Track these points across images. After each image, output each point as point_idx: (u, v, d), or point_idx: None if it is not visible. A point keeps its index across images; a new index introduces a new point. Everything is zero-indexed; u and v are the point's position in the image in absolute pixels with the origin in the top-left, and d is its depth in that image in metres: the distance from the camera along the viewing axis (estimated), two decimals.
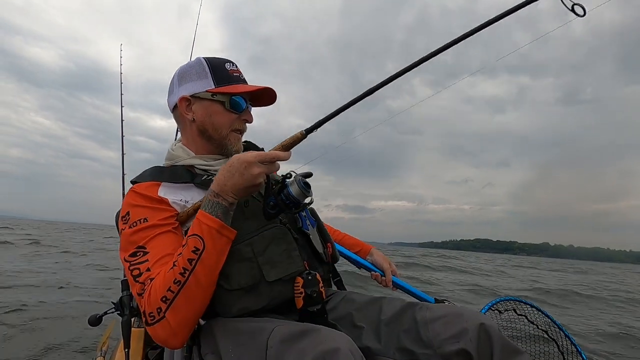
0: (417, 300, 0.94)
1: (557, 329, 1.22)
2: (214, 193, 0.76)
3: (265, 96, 0.96)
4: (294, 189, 0.79)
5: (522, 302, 1.27)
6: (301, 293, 0.84)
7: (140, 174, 0.93)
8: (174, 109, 0.96)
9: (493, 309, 1.24)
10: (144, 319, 0.74)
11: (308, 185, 0.81)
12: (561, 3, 0.82)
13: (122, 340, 1.30)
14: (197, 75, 0.91)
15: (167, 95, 0.98)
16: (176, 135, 1.70)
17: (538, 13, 45.83)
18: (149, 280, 0.74)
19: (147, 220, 0.80)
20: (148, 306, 0.72)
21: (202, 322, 0.97)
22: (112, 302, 1.32)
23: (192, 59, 0.95)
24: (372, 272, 1.24)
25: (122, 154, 1.83)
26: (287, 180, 0.81)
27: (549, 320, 1.22)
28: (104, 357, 1.66)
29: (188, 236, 0.76)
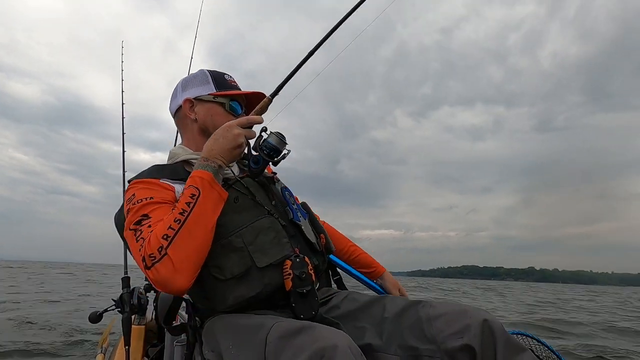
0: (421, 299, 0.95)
1: None
2: (203, 158, 0.84)
3: (257, 104, 1.02)
4: (272, 139, 0.89)
5: (527, 335, 1.27)
6: (289, 274, 0.85)
7: (140, 173, 0.96)
8: (176, 112, 1.04)
9: None
10: (142, 265, 0.73)
11: (284, 136, 0.90)
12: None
13: (122, 338, 1.30)
14: (200, 82, 1.02)
15: (168, 103, 1.08)
16: (175, 141, 1.73)
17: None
18: (149, 233, 0.76)
19: (152, 198, 0.84)
20: (149, 248, 0.73)
21: (200, 320, 0.98)
22: (112, 300, 1.32)
23: (197, 71, 1.05)
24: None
25: (123, 152, 1.83)
26: (264, 133, 0.90)
27: (554, 355, 1.22)
28: (104, 354, 1.66)
29: (184, 190, 0.81)
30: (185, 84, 1.03)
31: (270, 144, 0.88)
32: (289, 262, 0.86)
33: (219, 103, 1.00)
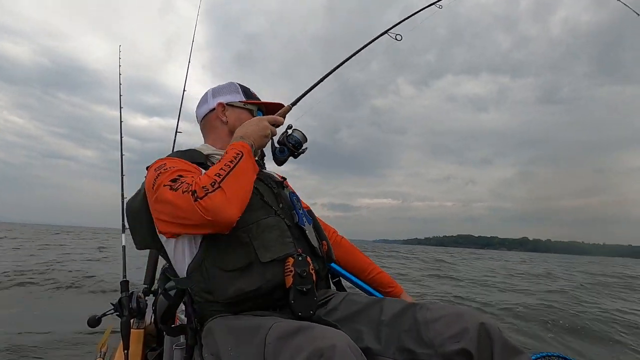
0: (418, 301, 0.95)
1: None
2: (239, 136, 0.95)
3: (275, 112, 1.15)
4: (297, 134, 1.10)
5: (554, 355, 1.25)
6: (291, 271, 0.87)
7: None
8: (205, 116, 1.14)
9: None
10: (192, 199, 0.77)
11: (305, 134, 1.11)
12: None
13: (121, 342, 1.30)
14: (230, 91, 1.15)
15: (196, 107, 1.19)
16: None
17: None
18: (193, 180, 0.81)
19: (183, 168, 0.90)
20: (200, 183, 0.79)
21: (199, 322, 0.97)
22: (111, 304, 1.31)
23: (224, 83, 1.19)
24: None
25: (121, 154, 1.83)
26: (289, 130, 1.11)
27: None
28: (103, 358, 1.65)
29: (226, 151, 0.90)
30: (215, 91, 1.16)
31: (295, 138, 1.09)
32: (291, 260, 0.89)
33: (247, 110, 1.13)
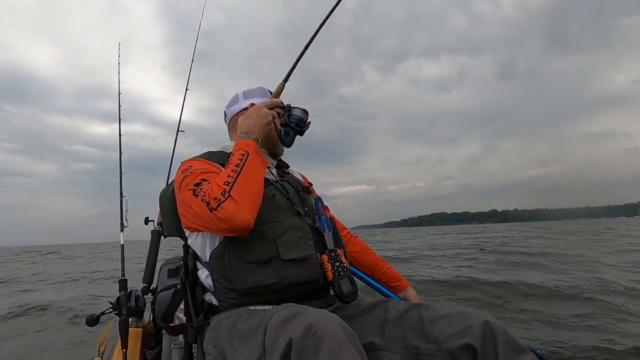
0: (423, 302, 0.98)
1: None
2: (244, 133, 0.99)
3: None
4: (297, 112, 1.07)
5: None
6: (329, 267, 0.94)
7: (194, 156, 1.08)
8: (236, 114, 1.20)
9: None
10: (207, 210, 0.83)
11: (305, 109, 1.08)
12: None
13: (120, 340, 1.30)
14: (260, 94, 1.22)
15: (225, 106, 1.25)
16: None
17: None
18: (209, 186, 0.87)
19: (208, 170, 0.96)
20: (212, 194, 0.84)
21: (204, 318, 0.99)
22: (109, 302, 1.32)
23: (254, 87, 1.25)
24: None
25: (120, 153, 1.84)
26: (289, 109, 1.08)
27: None
28: (101, 357, 1.65)
29: (232, 153, 0.94)
30: (246, 93, 1.23)
31: (296, 116, 1.06)
32: (325, 257, 0.95)
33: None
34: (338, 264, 0.96)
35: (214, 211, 0.82)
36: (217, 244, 0.94)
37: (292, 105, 1.09)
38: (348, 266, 0.99)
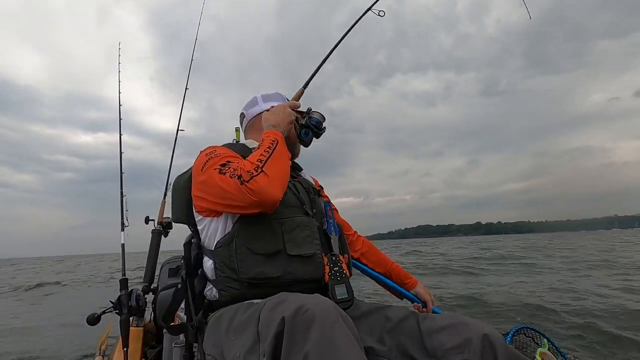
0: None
1: (555, 349, 1.37)
2: (271, 125, 1.05)
3: None
4: (317, 115, 1.16)
5: (531, 329, 1.41)
6: (326, 270, 0.95)
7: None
8: (256, 116, 1.24)
9: (519, 332, 1.39)
10: (238, 182, 0.86)
11: (323, 115, 1.17)
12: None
13: (120, 339, 1.30)
14: (277, 99, 1.27)
15: (243, 108, 1.30)
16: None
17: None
18: (239, 164, 0.91)
19: (234, 155, 1.00)
20: (245, 168, 0.88)
21: (203, 316, 0.99)
22: (110, 301, 1.32)
23: (272, 92, 1.30)
24: (415, 304, 1.32)
25: (120, 152, 1.84)
26: (309, 112, 1.17)
27: (554, 347, 1.36)
28: (102, 356, 1.66)
29: (262, 139, 0.99)
30: (265, 97, 1.28)
31: (316, 119, 1.15)
32: (325, 259, 0.97)
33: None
34: (337, 268, 0.97)
35: (245, 183, 0.85)
36: (226, 232, 0.95)
37: (312, 109, 1.17)
38: (348, 274, 0.99)
